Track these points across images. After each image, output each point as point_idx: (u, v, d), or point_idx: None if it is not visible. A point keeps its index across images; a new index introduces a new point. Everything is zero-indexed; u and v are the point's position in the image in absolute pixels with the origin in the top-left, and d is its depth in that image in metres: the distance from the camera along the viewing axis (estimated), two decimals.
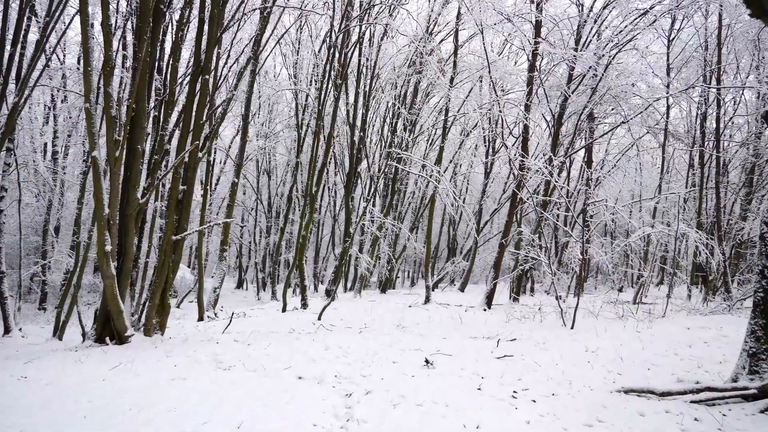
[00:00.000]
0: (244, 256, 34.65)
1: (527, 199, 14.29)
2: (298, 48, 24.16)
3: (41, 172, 16.81)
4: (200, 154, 9.86)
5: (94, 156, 8.65)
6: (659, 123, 21.93)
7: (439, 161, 16.50)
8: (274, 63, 31.52)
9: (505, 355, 8.01)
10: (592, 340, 9.90)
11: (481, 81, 23.29)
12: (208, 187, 17.76)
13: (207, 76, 9.74)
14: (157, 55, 10.01)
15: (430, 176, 13.68)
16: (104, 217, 8.64)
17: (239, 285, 33.90)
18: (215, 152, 30.54)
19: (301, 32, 23.94)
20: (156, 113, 11.00)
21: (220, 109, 10.50)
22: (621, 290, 28.15)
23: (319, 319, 12.80)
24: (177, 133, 10.66)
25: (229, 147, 28.59)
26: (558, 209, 16.29)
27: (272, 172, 31.89)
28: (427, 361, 7.31)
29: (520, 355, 8.20)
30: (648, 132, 22.61)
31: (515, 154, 13.60)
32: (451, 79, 17.32)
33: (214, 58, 12.80)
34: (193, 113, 9.76)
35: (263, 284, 30.33)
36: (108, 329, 9.11)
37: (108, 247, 8.64)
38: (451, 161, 26.76)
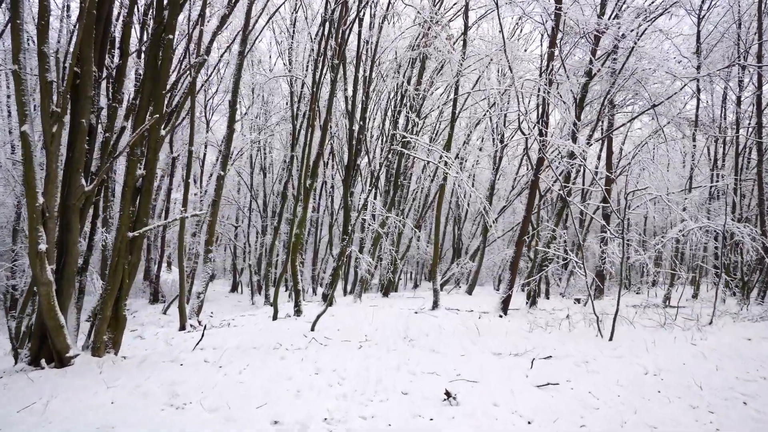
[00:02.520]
0: (239, 258, 32.78)
1: (552, 184, 12.43)
2: (293, 32, 22.33)
3: (3, 163, 15.07)
4: (163, 132, 8.05)
5: (23, 131, 6.85)
6: (682, 112, 20.15)
7: (448, 147, 14.67)
8: (270, 53, 29.80)
9: (548, 383, 6.18)
10: (644, 357, 8.11)
11: (488, 67, 21.52)
12: (190, 181, 15.94)
13: (171, 36, 7.93)
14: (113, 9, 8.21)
15: (440, 158, 11.85)
16: (36, 208, 6.85)
17: (233, 288, 32.04)
18: (206, 147, 28.81)
19: (296, 13, 22.13)
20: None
21: (190, 74, 8.68)
22: (638, 292, 26.28)
23: (313, 329, 10.96)
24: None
25: (222, 143, 26.74)
26: (586, 199, 14.43)
27: (268, 169, 30.04)
28: (448, 395, 5.49)
29: (566, 381, 6.39)
30: (670, 122, 20.84)
31: (538, 130, 11.76)
32: (462, 56, 15.51)
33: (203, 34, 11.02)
34: (155, 81, 7.95)
35: (258, 287, 28.49)
36: (46, 349, 7.30)
37: (42, 246, 6.84)
38: (456, 156, 24.94)
